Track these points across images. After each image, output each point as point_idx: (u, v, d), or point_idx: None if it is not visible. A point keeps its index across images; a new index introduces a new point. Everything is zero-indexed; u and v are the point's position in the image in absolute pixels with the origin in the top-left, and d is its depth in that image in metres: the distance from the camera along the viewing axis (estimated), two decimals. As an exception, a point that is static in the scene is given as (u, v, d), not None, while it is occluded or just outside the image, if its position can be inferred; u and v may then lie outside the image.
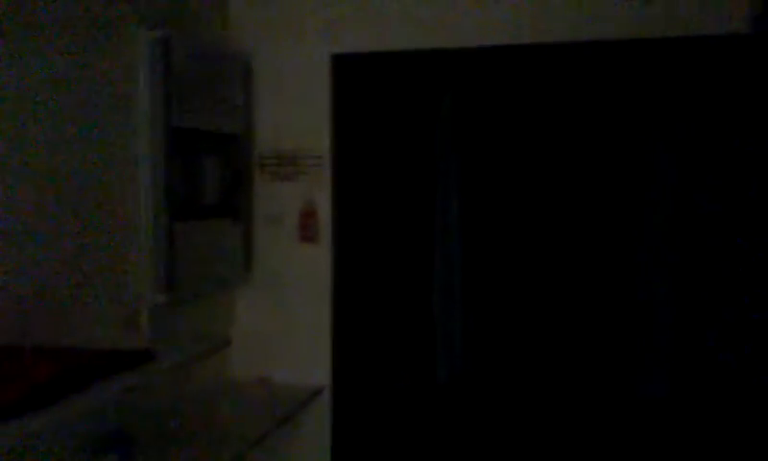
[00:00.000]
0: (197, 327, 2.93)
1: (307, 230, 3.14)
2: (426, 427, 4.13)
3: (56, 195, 2.14)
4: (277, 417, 2.79)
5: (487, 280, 4.56)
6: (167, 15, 2.63)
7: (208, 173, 2.79)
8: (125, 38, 2.43)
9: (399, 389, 4.24)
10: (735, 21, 2.63)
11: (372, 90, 3.79)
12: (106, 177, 2.36)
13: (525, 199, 4.52)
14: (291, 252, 3.16)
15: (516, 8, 2.87)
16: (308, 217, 3.14)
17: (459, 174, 4.50)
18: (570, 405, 4.27)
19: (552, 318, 4.45)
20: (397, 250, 4.28)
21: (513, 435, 4.12)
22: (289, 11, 3.11)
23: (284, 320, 3.18)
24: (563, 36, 2.85)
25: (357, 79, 3.38)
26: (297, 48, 3.11)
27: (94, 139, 2.30)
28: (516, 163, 4.53)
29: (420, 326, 4.39)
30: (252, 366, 3.20)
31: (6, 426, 1.59)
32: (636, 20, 2.74)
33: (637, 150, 4.36)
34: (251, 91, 3.14)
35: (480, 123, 4.53)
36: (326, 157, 3.13)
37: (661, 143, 4.32)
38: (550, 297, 4.46)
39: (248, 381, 3.17)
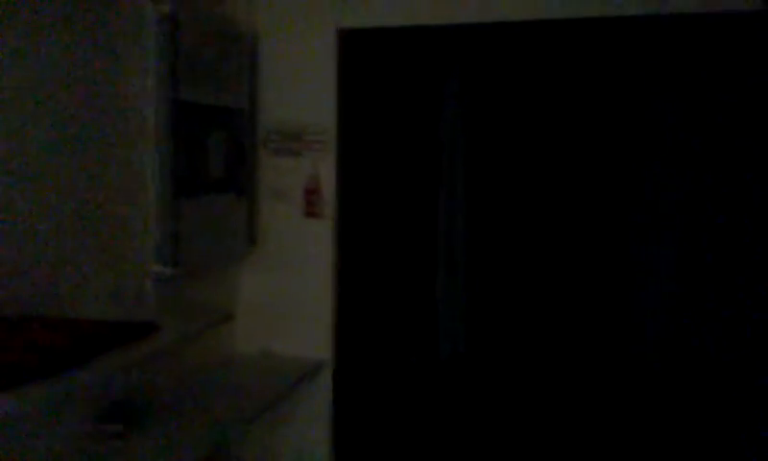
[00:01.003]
0: (201, 301, 2.95)
1: (312, 205, 3.16)
2: (428, 404, 4.17)
3: (60, 169, 2.15)
4: (279, 390, 2.83)
5: (490, 259, 4.57)
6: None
7: (213, 148, 2.80)
8: (132, 14, 2.43)
9: (401, 365, 4.28)
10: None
11: (378, 66, 3.77)
12: (111, 149, 2.37)
13: (530, 178, 4.52)
14: (295, 227, 3.18)
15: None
16: (313, 192, 3.15)
17: (464, 152, 4.49)
18: (570, 383, 4.30)
19: (553, 296, 4.46)
20: (402, 226, 4.29)
21: (514, 411, 4.16)
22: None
23: (288, 294, 3.20)
24: (569, 12, 2.83)
25: (364, 54, 3.37)
26: (303, 23, 3.10)
27: (100, 113, 2.31)
28: (522, 143, 4.52)
29: (424, 302, 4.42)
30: (256, 340, 3.23)
31: (15, 394, 1.62)
32: None
33: (645, 129, 4.35)
34: (256, 66, 3.14)
35: (486, 100, 4.52)
36: (332, 133, 3.13)
37: (669, 123, 4.30)
38: (552, 276, 4.48)
39: (251, 355, 3.21)
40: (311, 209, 3.16)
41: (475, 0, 2.91)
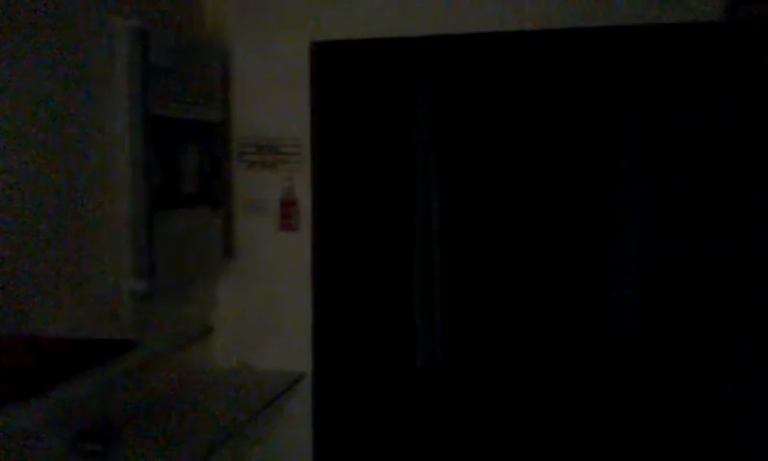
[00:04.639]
0: (178, 316, 2.93)
1: (288, 218, 3.16)
2: (407, 413, 4.17)
3: (31, 186, 2.13)
4: (259, 404, 2.81)
5: (466, 268, 4.59)
6: (143, 4, 2.62)
7: (187, 161, 2.79)
8: (102, 28, 2.42)
9: (381, 375, 4.27)
10: (710, 9, 2.68)
11: (353, 78, 3.78)
12: (83, 166, 2.35)
13: (504, 187, 4.55)
14: (272, 239, 3.17)
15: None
16: (289, 205, 3.15)
17: (439, 161, 4.52)
18: (548, 389, 4.33)
19: (529, 302, 4.50)
20: (378, 237, 4.29)
21: (491, 418, 4.18)
22: (267, -2, 3.11)
23: (266, 307, 3.19)
24: (540, 24, 2.87)
25: (338, 66, 3.38)
26: (276, 35, 3.10)
27: (70, 128, 2.29)
28: (496, 150, 4.56)
29: (401, 312, 4.42)
30: (234, 353, 3.21)
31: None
32: (614, 8, 2.77)
33: (614, 139, 4.41)
34: (229, 79, 3.13)
35: (460, 112, 4.55)
36: (307, 146, 3.13)
37: (637, 130, 4.37)
38: (527, 281, 4.51)
39: (230, 369, 3.19)
40: (287, 222, 3.16)
41: (447, 12, 2.94)
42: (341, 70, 3.46)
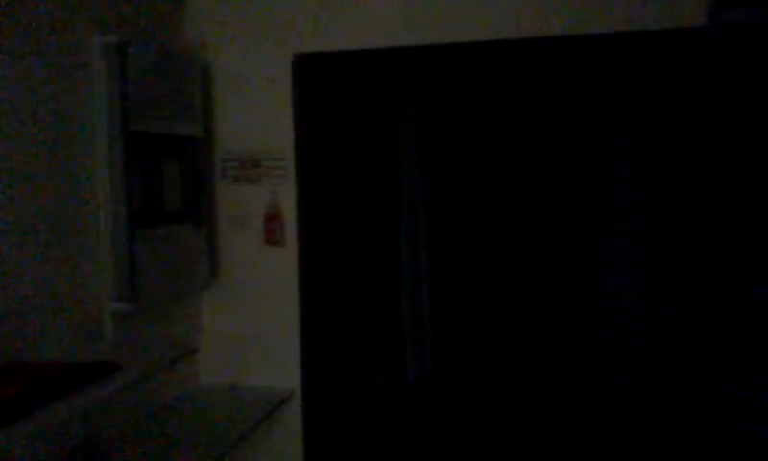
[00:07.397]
0: (163, 335, 2.87)
1: (272, 232, 3.11)
2: (398, 427, 4.12)
3: (11, 209, 2.08)
4: (248, 423, 2.76)
5: (455, 280, 4.57)
6: (122, 19, 2.58)
7: (169, 177, 2.74)
8: (80, 44, 2.37)
9: (370, 390, 4.23)
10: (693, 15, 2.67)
11: (336, 90, 3.76)
12: (61, 185, 2.29)
13: (493, 197, 4.54)
14: (257, 255, 3.13)
15: (480, 5, 2.87)
16: (273, 220, 3.11)
17: (425, 171, 4.50)
18: (540, 402, 4.30)
19: (521, 314, 4.47)
20: (365, 250, 4.26)
21: (484, 431, 4.14)
22: (248, 10, 3.07)
23: (252, 324, 3.14)
24: (526, 32, 2.85)
25: (321, 78, 3.35)
26: (257, 48, 3.07)
27: (49, 147, 2.23)
28: (483, 159, 4.54)
29: (390, 325, 4.38)
30: (221, 372, 3.15)
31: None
32: (601, 15, 2.76)
33: (603, 146, 4.40)
34: (211, 93, 3.09)
35: (445, 122, 4.54)
36: (290, 159, 3.10)
37: (625, 133, 4.37)
38: (519, 294, 4.49)
39: (216, 388, 3.13)
40: (272, 237, 3.12)
41: (432, 22, 2.92)
42: (324, 82, 3.43)
